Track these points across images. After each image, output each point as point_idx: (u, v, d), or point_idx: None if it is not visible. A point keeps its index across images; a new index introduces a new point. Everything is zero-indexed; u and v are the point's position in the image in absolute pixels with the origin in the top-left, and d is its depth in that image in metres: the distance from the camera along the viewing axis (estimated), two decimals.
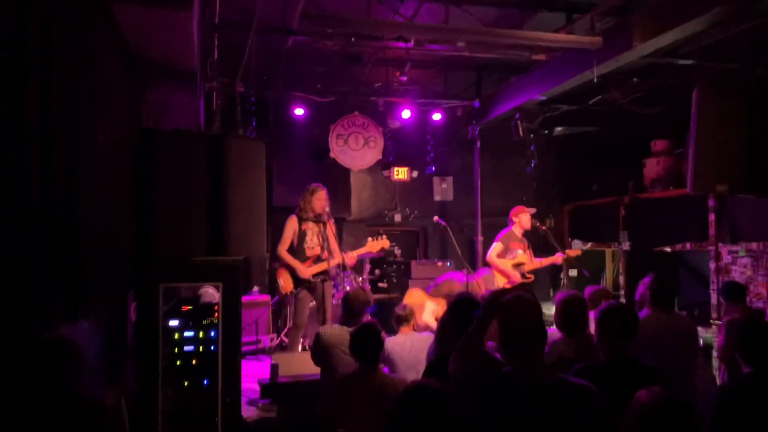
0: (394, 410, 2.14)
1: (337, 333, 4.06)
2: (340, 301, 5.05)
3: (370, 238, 6.36)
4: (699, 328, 4.24)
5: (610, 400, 2.32)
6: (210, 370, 3.55)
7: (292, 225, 6.04)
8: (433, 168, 9.10)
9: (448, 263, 8.28)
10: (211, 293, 3.81)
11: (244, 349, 5.79)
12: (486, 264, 7.18)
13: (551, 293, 9.08)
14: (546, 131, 9.23)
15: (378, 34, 6.15)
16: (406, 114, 8.26)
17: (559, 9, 5.92)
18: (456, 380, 2.51)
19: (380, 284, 8.55)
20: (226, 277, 3.62)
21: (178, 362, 3.51)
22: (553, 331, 3.56)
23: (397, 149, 8.84)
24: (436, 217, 7.21)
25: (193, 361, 3.54)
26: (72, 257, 2.59)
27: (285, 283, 6.03)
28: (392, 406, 2.16)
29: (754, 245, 6.60)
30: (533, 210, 7.07)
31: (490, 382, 2.40)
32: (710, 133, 5.34)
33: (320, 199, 6.01)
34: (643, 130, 8.08)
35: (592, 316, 3.60)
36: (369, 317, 4.47)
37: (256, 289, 7.68)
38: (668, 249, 7.82)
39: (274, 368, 4.97)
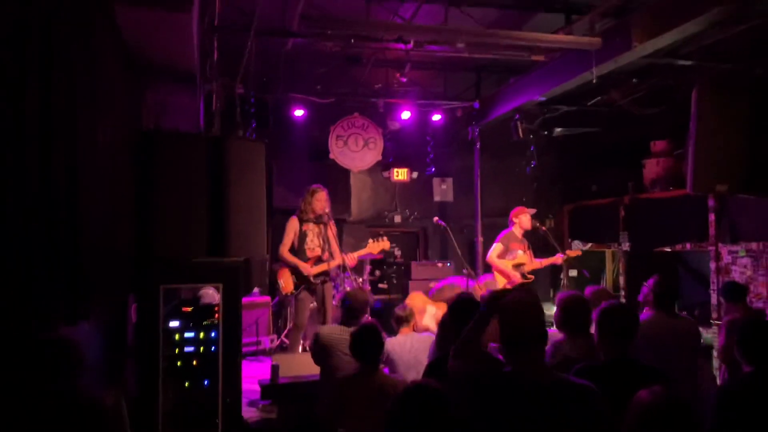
0: (394, 410, 2.14)
1: (336, 333, 4.06)
2: (340, 301, 5.05)
3: (370, 240, 6.36)
4: (699, 329, 4.24)
5: (610, 400, 2.32)
6: (210, 370, 3.55)
7: (292, 226, 6.05)
8: (433, 169, 9.10)
9: (449, 264, 8.28)
10: (211, 294, 3.82)
11: (244, 350, 5.79)
12: (487, 265, 7.18)
13: (551, 294, 9.09)
14: (546, 132, 9.23)
15: (377, 36, 6.15)
16: (405, 115, 8.27)
17: (558, 10, 5.92)
18: (456, 380, 2.51)
19: (380, 285, 8.56)
20: (227, 278, 3.63)
21: (179, 363, 3.52)
22: (553, 332, 3.56)
23: (396, 150, 8.85)
24: (436, 218, 7.22)
25: (194, 362, 3.55)
26: (72, 258, 2.59)
27: (285, 283, 6.03)
28: (392, 406, 2.16)
29: (754, 245, 6.60)
30: (533, 210, 7.08)
31: (490, 382, 2.41)
32: (710, 134, 5.34)
33: (320, 200, 6.01)
34: (642, 131, 8.08)
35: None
36: (369, 318, 4.48)
37: (256, 290, 7.69)
38: (668, 249, 7.82)
39: (275, 369, 4.97)
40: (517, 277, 6.75)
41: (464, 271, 6.53)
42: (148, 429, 3.35)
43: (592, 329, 3.26)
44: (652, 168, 7.95)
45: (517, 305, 2.44)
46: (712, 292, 6.96)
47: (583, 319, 3.45)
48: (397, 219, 9.26)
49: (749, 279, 6.57)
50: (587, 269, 8.80)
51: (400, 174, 8.87)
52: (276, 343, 7.09)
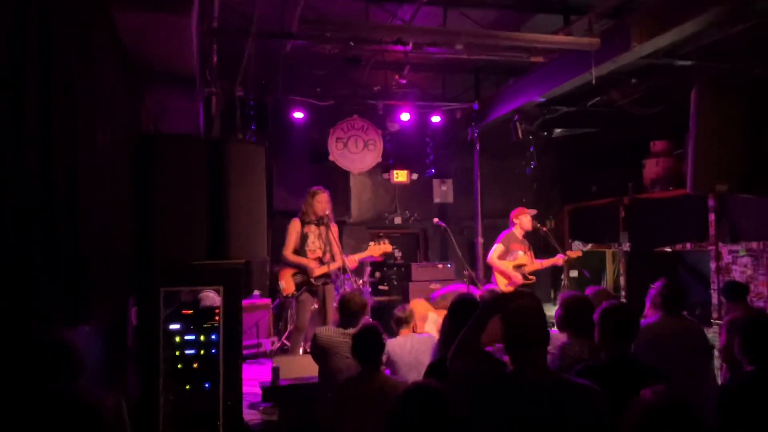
0: (395, 411, 2.15)
1: (333, 335, 4.06)
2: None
3: (372, 243, 6.38)
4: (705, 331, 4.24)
5: (612, 400, 2.32)
6: (211, 373, 3.55)
7: (294, 228, 6.07)
8: (433, 170, 9.11)
9: (449, 265, 8.28)
10: (211, 297, 3.82)
11: (245, 352, 5.78)
12: (487, 266, 7.18)
13: (552, 294, 9.09)
14: (545, 133, 9.24)
15: (377, 38, 6.16)
16: (405, 117, 8.27)
17: (557, 11, 5.93)
18: (456, 380, 2.52)
19: (381, 287, 8.55)
20: (227, 280, 3.62)
21: (180, 366, 3.51)
22: (554, 332, 3.56)
23: (396, 152, 8.86)
24: (436, 219, 7.22)
25: (195, 365, 3.55)
26: (72, 258, 2.59)
27: (287, 285, 6.05)
28: (393, 406, 2.16)
29: (754, 244, 6.60)
30: (534, 211, 7.08)
31: (492, 382, 2.41)
32: (709, 133, 5.34)
33: (321, 202, 6.03)
34: (642, 131, 8.09)
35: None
36: (369, 319, 4.47)
37: (256, 292, 7.69)
38: (668, 249, 7.82)
39: (275, 371, 4.97)
40: (518, 278, 6.75)
41: (465, 272, 6.53)
42: None
43: None
44: (651, 168, 7.95)
45: (519, 307, 2.46)
46: (712, 291, 6.96)
47: (589, 319, 3.45)
48: (397, 220, 9.26)
49: (750, 278, 6.57)
50: (588, 270, 8.80)
51: (400, 175, 8.88)
52: (276, 345, 7.09)
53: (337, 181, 8.54)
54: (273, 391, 4.89)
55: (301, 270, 6.03)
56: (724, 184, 5.49)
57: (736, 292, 5.27)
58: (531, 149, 9.09)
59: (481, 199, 8.87)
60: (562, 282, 7.83)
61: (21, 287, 2.09)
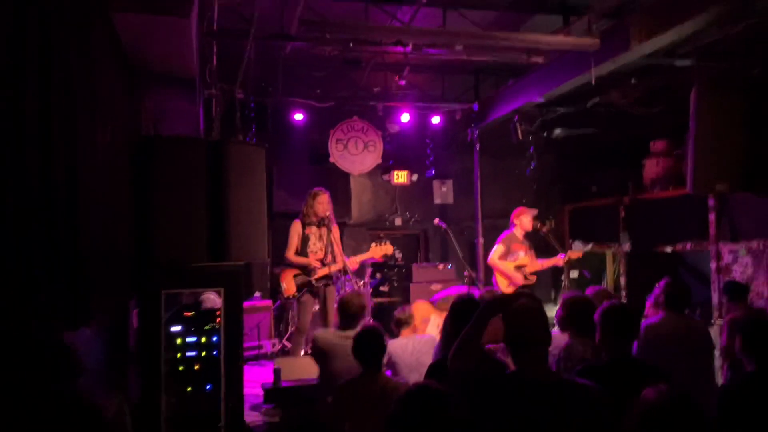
0: (396, 411, 2.15)
1: (332, 338, 4.06)
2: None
3: (373, 244, 6.39)
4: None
5: (613, 400, 2.33)
6: (212, 375, 3.55)
7: (296, 229, 6.08)
8: (433, 171, 9.11)
9: (449, 266, 8.28)
10: (212, 299, 3.83)
11: (246, 354, 5.79)
12: (488, 267, 7.18)
13: (552, 295, 9.09)
14: (545, 133, 9.24)
15: (376, 39, 6.17)
16: (405, 118, 8.28)
17: (556, 11, 5.93)
18: (457, 380, 2.52)
19: (381, 288, 8.55)
20: (228, 282, 3.63)
21: (181, 368, 3.52)
22: (556, 333, 3.56)
23: (396, 153, 8.86)
24: (436, 220, 7.22)
25: (196, 367, 3.55)
26: (72, 258, 2.59)
27: (288, 286, 6.06)
28: (394, 407, 2.17)
29: (754, 244, 6.60)
30: (535, 211, 7.07)
31: (492, 383, 2.42)
32: (709, 133, 5.35)
33: (322, 203, 6.04)
34: (641, 131, 8.09)
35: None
36: (370, 321, 4.46)
37: (257, 294, 7.69)
38: (669, 249, 7.82)
39: (277, 373, 4.98)
40: (518, 279, 6.74)
41: (465, 273, 6.53)
42: None
43: None
44: (651, 168, 7.95)
45: (520, 307, 2.47)
46: (712, 291, 6.96)
47: (591, 319, 3.45)
48: (398, 221, 9.27)
49: (750, 278, 6.57)
50: (588, 270, 8.79)
51: (400, 177, 8.88)
52: (278, 347, 7.09)
53: (338, 183, 8.54)
54: (275, 393, 4.90)
55: (303, 271, 6.04)
56: (724, 184, 5.49)
57: (736, 291, 5.28)
58: (531, 149, 9.09)
59: (482, 199, 8.88)
60: (563, 282, 7.83)
61: (21, 287, 2.09)
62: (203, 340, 3.56)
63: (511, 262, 6.81)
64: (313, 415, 4.09)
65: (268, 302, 7.41)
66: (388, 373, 4.06)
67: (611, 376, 2.74)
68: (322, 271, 6.01)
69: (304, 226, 6.07)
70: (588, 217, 9.44)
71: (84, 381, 2.41)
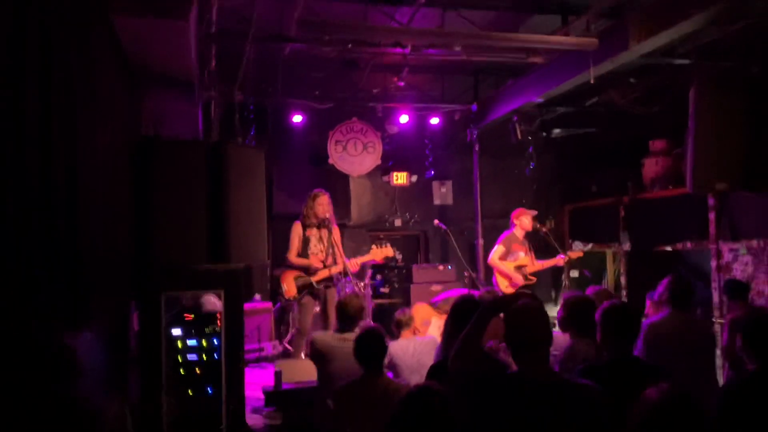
0: (398, 413, 2.15)
1: (330, 340, 4.06)
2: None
3: (374, 246, 6.41)
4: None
5: (613, 400, 2.33)
6: (213, 378, 3.55)
7: (296, 231, 6.09)
8: (432, 172, 9.10)
9: (449, 267, 8.27)
10: (213, 301, 3.82)
11: (246, 357, 5.78)
12: (488, 267, 7.17)
13: (553, 295, 9.08)
14: (544, 133, 9.24)
15: (375, 40, 6.16)
16: (404, 119, 8.28)
17: (554, 11, 5.93)
18: (458, 380, 2.52)
19: (382, 289, 8.55)
20: (228, 284, 3.63)
21: (182, 371, 3.52)
22: (557, 334, 3.55)
23: (396, 154, 8.85)
24: (436, 221, 7.22)
25: (197, 370, 3.55)
26: (72, 260, 2.59)
27: (288, 288, 6.06)
28: (396, 409, 2.17)
29: (754, 243, 6.60)
30: (535, 212, 7.07)
31: (493, 383, 2.42)
32: (708, 132, 5.35)
33: (322, 205, 6.04)
34: (641, 130, 8.08)
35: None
36: (370, 322, 4.46)
37: (257, 296, 7.68)
38: (669, 248, 7.82)
39: (278, 375, 4.97)
40: (519, 279, 6.74)
41: (465, 274, 6.53)
42: None
43: None
44: (651, 167, 7.95)
45: (522, 307, 2.47)
46: (713, 290, 6.96)
47: (593, 319, 3.44)
48: (398, 223, 9.26)
49: (750, 277, 6.57)
50: (588, 269, 8.79)
51: (400, 178, 8.87)
52: (278, 349, 7.08)
53: (337, 184, 8.54)
54: (276, 395, 4.89)
55: (304, 273, 6.04)
56: (724, 183, 5.49)
57: (737, 290, 5.27)
58: (530, 150, 9.09)
59: (481, 200, 8.87)
60: (563, 282, 7.83)
61: (21, 287, 2.09)
62: (204, 342, 3.56)
63: (511, 263, 6.81)
64: (312, 417, 4.09)
65: (269, 304, 7.40)
66: (389, 374, 4.05)
67: (612, 376, 2.73)
68: (322, 273, 6.01)
69: (304, 227, 6.08)
70: (588, 216, 9.43)
71: (85, 384, 2.41)
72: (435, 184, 9.34)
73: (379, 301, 8.24)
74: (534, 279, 6.88)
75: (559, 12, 5.90)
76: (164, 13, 3.69)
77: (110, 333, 3.52)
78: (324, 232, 6.10)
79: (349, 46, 6.17)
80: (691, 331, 3.89)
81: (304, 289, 6.03)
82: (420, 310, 6.51)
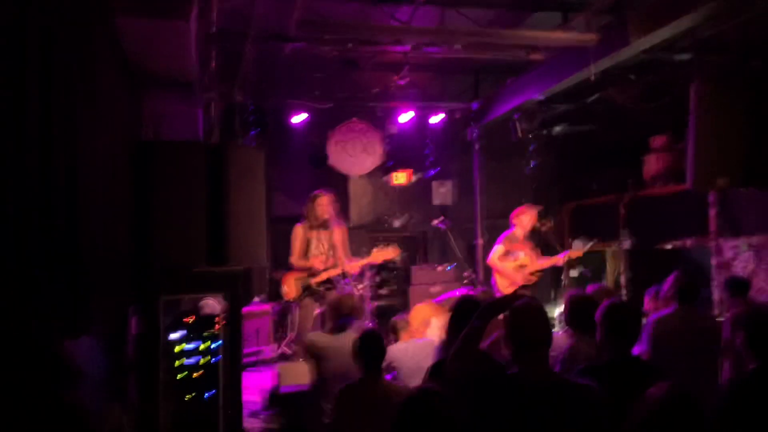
0: (400, 415, 2.15)
1: (323, 340, 4.07)
2: None
3: (375, 249, 6.41)
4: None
5: (614, 400, 2.32)
6: (212, 382, 3.54)
7: (298, 234, 6.10)
8: (433, 171, 9.09)
9: (449, 267, 8.25)
10: (211, 304, 3.82)
11: (245, 360, 5.78)
12: (488, 268, 7.15)
13: (552, 294, 9.06)
14: (545, 131, 9.22)
15: (375, 39, 6.16)
16: (404, 118, 8.26)
17: (554, 8, 5.93)
18: (457, 381, 2.52)
19: (381, 291, 8.53)
20: (227, 287, 3.62)
21: (180, 374, 3.50)
22: (556, 334, 3.54)
23: (396, 154, 8.84)
24: (435, 221, 7.19)
25: (195, 374, 3.54)
26: (72, 260, 2.59)
27: (289, 290, 6.07)
28: (398, 412, 2.17)
29: (755, 239, 6.58)
30: (534, 211, 7.04)
31: (492, 383, 2.42)
32: (709, 128, 5.34)
33: (322, 206, 6.04)
34: (641, 127, 8.07)
35: None
36: (368, 323, 4.45)
37: (256, 299, 7.67)
38: (669, 246, 7.80)
39: (277, 378, 4.96)
40: (518, 279, 6.71)
41: (465, 274, 6.51)
42: None
43: None
44: (652, 164, 7.93)
45: (522, 308, 2.47)
46: (714, 287, 6.94)
47: (594, 318, 3.43)
48: (397, 223, 9.24)
49: (751, 273, 6.55)
50: (588, 268, 8.77)
51: (400, 177, 8.86)
52: (277, 352, 7.07)
53: (337, 185, 8.52)
54: (274, 399, 4.88)
55: (305, 274, 6.05)
56: (725, 179, 5.48)
57: (737, 287, 5.25)
58: (531, 148, 9.07)
59: (481, 199, 8.85)
60: (563, 281, 7.81)
61: (21, 287, 2.09)
62: (202, 346, 3.55)
63: (511, 262, 6.79)
64: (306, 418, 4.08)
65: (268, 307, 7.39)
66: (388, 377, 4.05)
67: (612, 376, 2.73)
68: (323, 275, 6.02)
69: (306, 230, 6.08)
70: (588, 215, 9.41)
71: (84, 388, 2.40)
72: (434, 184, 9.31)
73: (379, 302, 8.22)
74: (535, 278, 6.85)
75: (558, 9, 5.89)
76: (164, 13, 3.69)
77: (109, 336, 3.52)
78: (325, 234, 6.09)
79: (349, 45, 6.17)
80: (697, 326, 3.87)
81: (305, 291, 6.03)
82: (420, 311, 6.48)
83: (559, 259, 6.92)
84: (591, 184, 9.31)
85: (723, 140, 5.36)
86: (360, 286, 6.63)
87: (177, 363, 3.49)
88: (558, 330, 3.71)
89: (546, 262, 6.93)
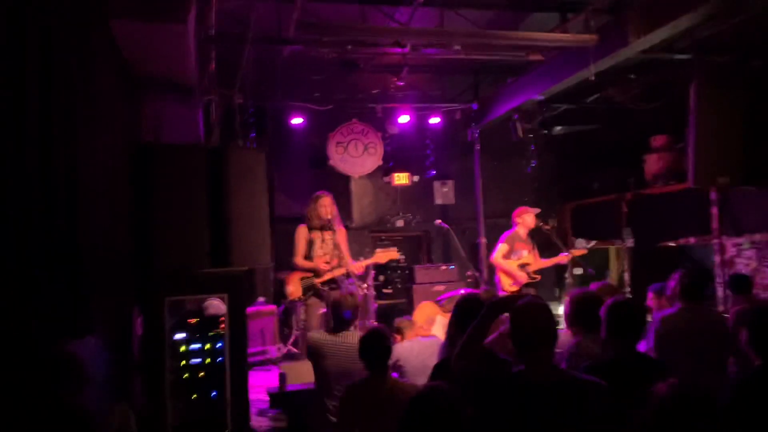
0: (409, 413, 2.15)
1: (323, 338, 4.07)
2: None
3: (378, 249, 6.43)
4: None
5: (620, 396, 2.32)
6: (218, 381, 3.54)
7: (302, 234, 6.11)
8: (434, 172, 9.09)
9: (452, 266, 8.26)
10: (216, 305, 3.81)
11: (250, 359, 5.78)
12: (491, 266, 7.15)
13: (557, 293, 9.06)
14: (545, 131, 9.22)
15: (374, 40, 6.16)
16: (404, 119, 8.27)
17: (553, 9, 5.93)
18: (461, 380, 2.51)
19: (385, 290, 8.54)
20: (231, 288, 3.62)
21: (186, 375, 3.51)
22: (562, 331, 3.53)
23: (396, 154, 8.85)
24: (438, 221, 7.19)
25: (201, 374, 3.54)
26: (72, 260, 2.59)
27: (294, 289, 6.09)
28: (407, 410, 2.16)
29: (758, 237, 6.58)
30: (537, 210, 7.05)
31: (497, 382, 2.41)
32: (709, 127, 5.35)
33: (324, 206, 6.04)
34: (642, 127, 8.08)
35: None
36: (374, 323, 4.45)
37: (261, 299, 7.67)
38: (672, 244, 7.80)
39: (282, 377, 4.97)
40: (522, 278, 6.72)
41: (468, 273, 6.51)
42: None
43: None
44: (653, 163, 7.94)
45: (528, 306, 2.47)
46: (717, 285, 6.94)
47: (599, 315, 3.42)
48: (399, 223, 9.24)
49: (754, 271, 6.55)
50: (592, 267, 8.78)
51: (401, 178, 8.87)
52: (283, 351, 7.08)
53: (338, 186, 8.53)
54: (280, 398, 4.89)
55: (310, 274, 6.06)
56: (726, 177, 5.48)
57: (740, 284, 5.25)
58: (532, 148, 9.08)
59: (483, 199, 8.86)
60: (566, 280, 7.80)
61: (21, 287, 2.09)
62: (207, 346, 3.55)
63: (514, 261, 6.79)
64: (313, 417, 4.08)
65: (272, 307, 7.40)
66: (394, 375, 4.05)
67: (617, 373, 2.72)
68: (327, 275, 6.03)
69: (309, 230, 6.10)
70: (590, 214, 9.42)
71: (90, 390, 2.40)
72: (436, 184, 9.32)
73: (383, 301, 8.23)
74: (538, 277, 6.86)
75: (557, 9, 5.89)
76: (162, 16, 3.69)
77: (114, 338, 3.52)
78: (328, 234, 6.10)
79: (348, 47, 6.17)
80: (703, 324, 3.85)
81: (310, 290, 6.05)
82: (424, 308, 6.48)
83: (562, 258, 6.92)
84: (592, 183, 9.31)
85: (723, 139, 5.37)
86: (364, 286, 6.63)
87: (183, 363, 3.48)
88: (564, 327, 3.70)
89: (548, 261, 6.93)
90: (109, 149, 3.46)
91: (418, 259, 9.60)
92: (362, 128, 8.33)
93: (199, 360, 3.54)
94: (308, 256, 6.08)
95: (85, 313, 2.73)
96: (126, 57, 4.22)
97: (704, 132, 5.37)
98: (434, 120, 8.57)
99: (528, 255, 6.83)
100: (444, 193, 9.32)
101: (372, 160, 8.37)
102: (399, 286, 8.57)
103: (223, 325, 3.58)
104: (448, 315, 6.04)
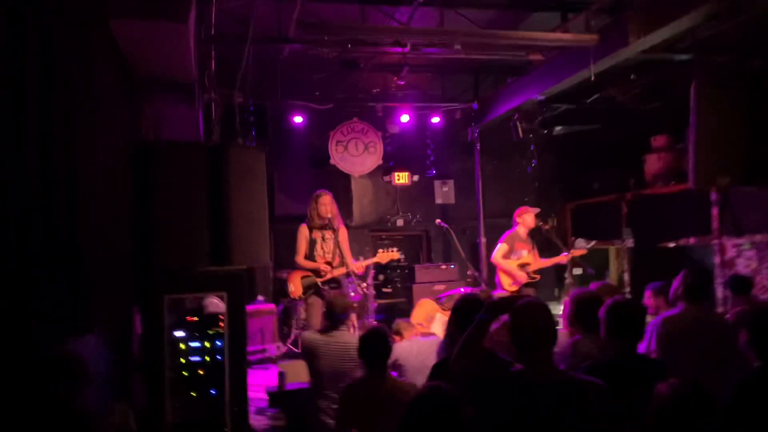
0: (410, 412, 2.15)
1: (316, 337, 4.09)
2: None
3: (380, 250, 6.45)
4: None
5: (620, 397, 2.32)
6: (217, 380, 3.54)
7: (303, 233, 6.12)
8: (434, 171, 9.10)
9: (452, 266, 8.26)
10: (215, 303, 3.82)
11: (250, 358, 5.79)
12: (491, 266, 7.15)
13: (556, 293, 9.06)
14: (545, 131, 9.23)
15: (375, 40, 6.16)
16: (405, 118, 8.27)
17: (553, 9, 5.93)
18: (461, 380, 2.52)
19: (385, 289, 8.54)
20: (231, 286, 3.62)
21: (185, 373, 3.51)
22: (562, 331, 3.54)
23: (397, 154, 8.86)
24: (438, 220, 7.19)
25: (200, 372, 3.54)
26: (72, 260, 2.60)
27: (295, 287, 6.11)
28: (408, 409, 2.17)
29: (758, 237, 6.58)
30: (537, 210, 7.05)
31: (498, 382, 2.41)
32: (710, 127, 5.33)
33: (324, 205, 6.05)
34: (642, 127, 8.07)
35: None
36: (374, 322, 4.46)
37: (260, 297, 7.68)
38: (672, 244, 7.80)
39: (281, 376, 4.97)
40: (522, 277, 6.72)
41: (468, 273, 6.51)
42: None
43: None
44: (653, 163, 7.93)
45: (527, 306, 2.46)
46: (717, 285, 6.94)
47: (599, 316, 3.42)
48: (400, 222, 9.25)
49: (754, 271, 6.54)
50: (592, 267, 8.78)
51: (401, 177, 8.88)
52: (282, 350, 7.08)
53: (338, 185, 8.53)
54: (279, 396, 4.89)
55: (311, 273, 6.07)
56: (726, 178, 5.47)
57: (740, 285, 5.24)
58: (532, 147, 9.08)
59: (483, 199, 8.86)
60: (566, 280, 7.81)
61: (21, 287, 2.09)
62: (207, 344, 3.56)
63: (514, 261, 6.79)
64: (309, 415, 4.09)
65: (272, 306, 7.41)
66: (394, 374, 4.05)
67: (617, 373, 2.72)
68: (329, 274, 6.04)
69: (310, 229, 6.10)
70: (590, 214, 9.42)
71: (90, 389, 2.40)
72: (436, 183, 9.33)
73: (383, 300, 8.23)
74: (538, 277, 6.86)
75: (558, 9, 5.89)
76: (162, 16, 3.69)
77: (113, 336, 3.53)
78: (329, 233, 6.11)
79: (349, 46, 6.17)
80: (706, 325, 3.84)
81: (310, 289, 6.06)
82: (424, 306, 6.49)
83: (562, 258, 6.93)
84: (592, 183, 9.31)
85: (723, 140, 5.36)
86: (364, 285, 6.64)
87: (182, 361, 3.49)
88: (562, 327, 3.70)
89: (548, 261, 6.93)
90: (109, 149, 3.47)
91: (418, 258, 9.61)
92: (362, 127, 8.34)
93: (198, 358, 3.54)
94: (310, 256, 6.08)
95: (85, 313, 2.73)
96: (126, 57, 4.23)
97: (704, 132, 5.35)
98: (434, 119, 8.57)
99: (528, 255, 6.83)
100: (444, 192, 9.33)
101: (372, 159, 8.37)
102: (399, 286, 8.58)
103: (222, 324, 3.58)
104: (448, 313, 6.05)
